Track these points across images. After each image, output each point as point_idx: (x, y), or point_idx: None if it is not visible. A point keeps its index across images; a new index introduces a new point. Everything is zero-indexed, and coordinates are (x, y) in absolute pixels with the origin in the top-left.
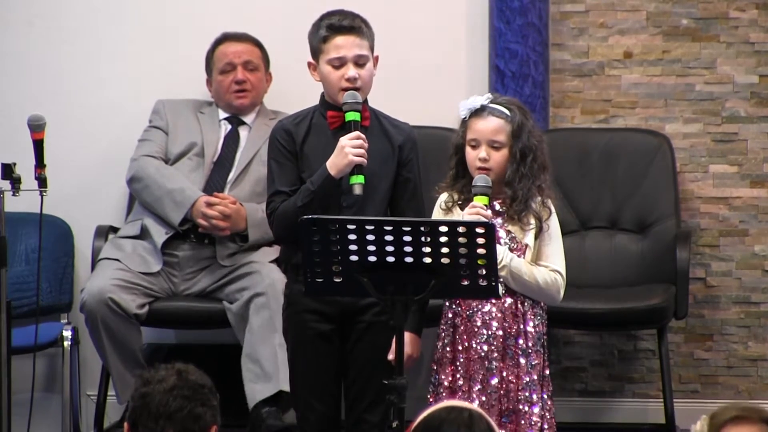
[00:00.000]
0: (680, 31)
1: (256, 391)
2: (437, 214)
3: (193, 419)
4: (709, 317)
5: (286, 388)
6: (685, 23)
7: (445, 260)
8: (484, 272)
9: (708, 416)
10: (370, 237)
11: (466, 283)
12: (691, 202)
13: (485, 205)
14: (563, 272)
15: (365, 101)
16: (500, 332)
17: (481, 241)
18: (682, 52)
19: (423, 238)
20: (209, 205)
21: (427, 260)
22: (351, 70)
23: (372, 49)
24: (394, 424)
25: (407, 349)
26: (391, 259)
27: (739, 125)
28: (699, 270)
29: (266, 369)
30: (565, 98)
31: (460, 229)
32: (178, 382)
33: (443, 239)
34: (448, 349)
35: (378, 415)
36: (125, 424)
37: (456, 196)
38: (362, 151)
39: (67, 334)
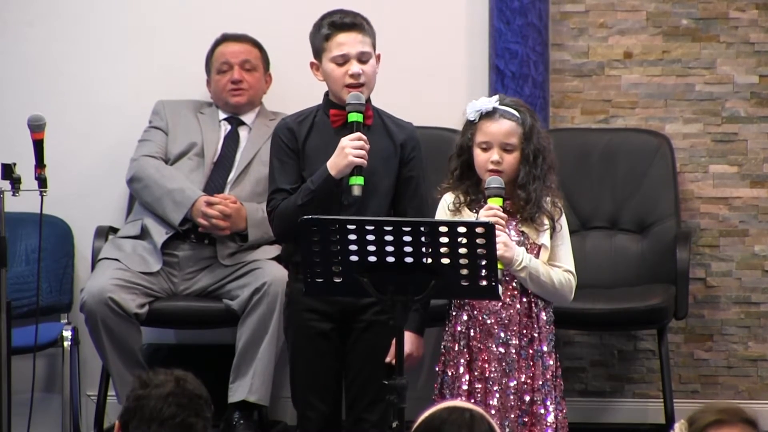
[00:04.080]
0: (680, 31)
1: (231, 390)
2: (443, 216)
3: (185, 428)
4: (709, 317)
5: (252, 399)
6: (685, 23)
7: (445, 260)
8: (484, 272)
9: (686, 420)
10: (370, 237)
11: (466, 283)
12: (691, 202)
13: (500, 207)
14: (574, 272)
15: (368, 100)
16: (516, 334)
17: (481, 241)
18: (682, 52)
19: (423, 238)
20: (209, 204)
21: (427, 260)
22: (354, 66)
23: (374, 46)
24: (394, 425)
25: (408, 348)
26: (391, 259)
27: (739, 125)
28: (699, 270)
29: (243, 372)
30: (565, 98)
31: (460, 230)
32: (175, 390)
33: (443, 239)
34: (464, 352)
35: (377, 414)
36: (116, 423)
37: (463, 197)
38: (363, 152)
39: (67, 334)
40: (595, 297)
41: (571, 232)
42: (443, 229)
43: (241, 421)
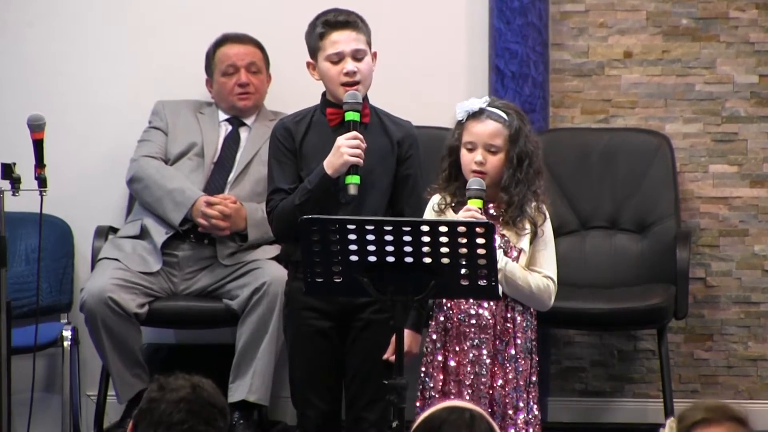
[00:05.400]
0: (680, 31)
1: (230, 390)
2: (429, 216)
3: None
4: (709, 317)
5: (252, 399)
6: (685, 23)
7: (444, 260)
8: (483, 272)
9: (676, 419)
10: (370, 237)
11: (465, 283)
12: (691, 202)
13: (479, 209)
14: (555, 278)
15: (365, 98)
16: (491, 337)
17: (480, 241)
18: (682, 52)
19: (423, 238)
20: (209, 204)
21: (427, 260)
22: (349, 64)
23: (369, 44)
24: (394, 424)
25: (405, 345)
26: (391, 259)
27: (739, 125)
28: (699, 270)
29: (243, 371)
30: (565, 98)
31: (460, 229)
32: (189, 396)
33: (443, 239)
34: (439, 352)
35: (376, 413)
36: (130, 422)
37: (449, 199)
38: (358, 151)
39: (67, 334)
40: (595, 297)
41: (571, 232)
42: (443, 229)
43: (241, 421)
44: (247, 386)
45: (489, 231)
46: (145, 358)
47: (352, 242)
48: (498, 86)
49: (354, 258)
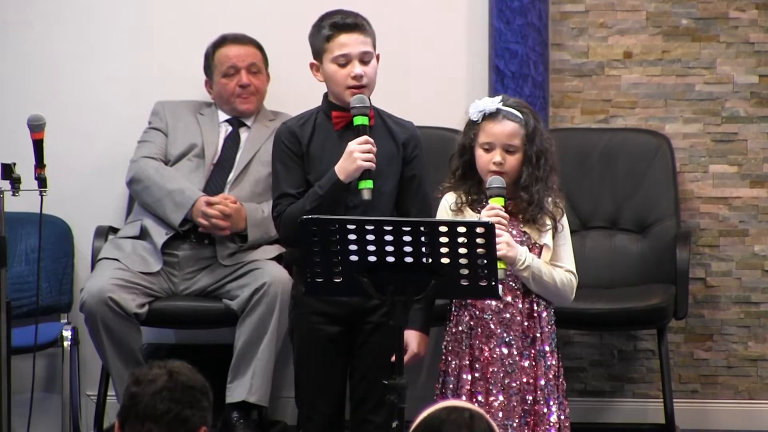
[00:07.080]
0: (680, 31)
1: (229, 390)
2: (444, 216)
3: (180, 422)
4: (709, 317)
5: (252, 400)
6: (685, 23)
7: (444, 260)
8: (484, 272)
9: None
10: (370, 237)
11: (465, 283)
12: (691, 202)
13: (502, 207)
14: (576, 272)
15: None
16: (518, 334)
17: (480, 241)
18: (682, 52)
19: (423, 238)
20: (209, 204)
21: (427, 260)
22: (357, 68)
23: (374, 46)
24: (394, 424)
25: (414, 347)
26: (391, 259)
27: (739, 125)
28: (699, 270)
29: (242, 372)
30: (565, 98)
31: (460, 229)
32: (168, 384)
33: (443, 239)
34: (466, 352)
35: (383, 416)
36: (116, 422)
37: (465, 197)
38: (371, 156)
39: (67, 334)
40: (595, 297)
41: (571, 232)
42: (443, 229)
43: (240, 421)
44: (246, 386)
45: (489, 231)
46: (145, 358)
47: (352, 242)
48: (498, 86)
49: (354, 258)
